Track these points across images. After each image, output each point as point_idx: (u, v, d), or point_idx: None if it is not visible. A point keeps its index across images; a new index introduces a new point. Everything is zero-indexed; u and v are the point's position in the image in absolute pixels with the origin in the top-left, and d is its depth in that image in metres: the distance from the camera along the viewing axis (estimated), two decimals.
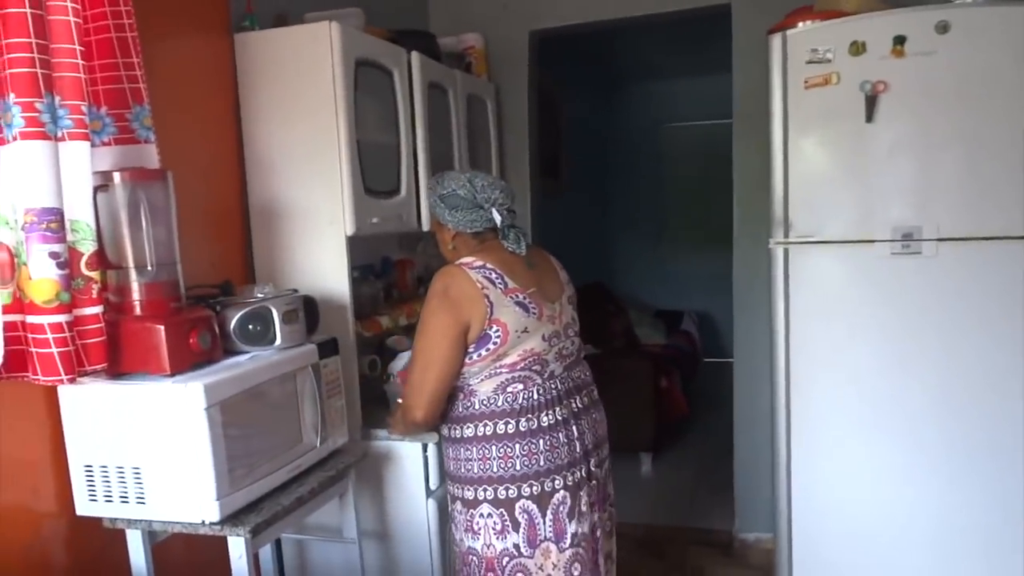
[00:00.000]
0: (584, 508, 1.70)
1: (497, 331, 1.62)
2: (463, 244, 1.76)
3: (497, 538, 1.67)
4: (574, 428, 1.70)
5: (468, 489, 1.70)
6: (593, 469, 1.74)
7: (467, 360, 1.64)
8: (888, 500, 2.21)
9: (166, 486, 1.49)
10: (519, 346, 1.64)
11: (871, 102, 2.07)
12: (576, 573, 1.69)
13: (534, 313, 1.66)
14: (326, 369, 1.86)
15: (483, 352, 1.63)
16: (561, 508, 1.67)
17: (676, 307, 6.01)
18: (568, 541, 1.67)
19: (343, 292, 2.09)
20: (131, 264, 1.54)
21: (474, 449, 1.68)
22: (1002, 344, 2.06)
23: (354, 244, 2.10)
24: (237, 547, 1.51)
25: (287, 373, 1.71)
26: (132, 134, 1.62)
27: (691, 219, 6.35)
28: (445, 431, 1.75)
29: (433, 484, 2.11)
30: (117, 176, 1.53)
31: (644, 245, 6.58)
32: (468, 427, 1.68)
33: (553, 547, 1.67)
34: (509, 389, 1.65)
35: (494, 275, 1.64)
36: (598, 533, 1.76)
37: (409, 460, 2.10)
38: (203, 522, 1.49)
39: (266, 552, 2.12)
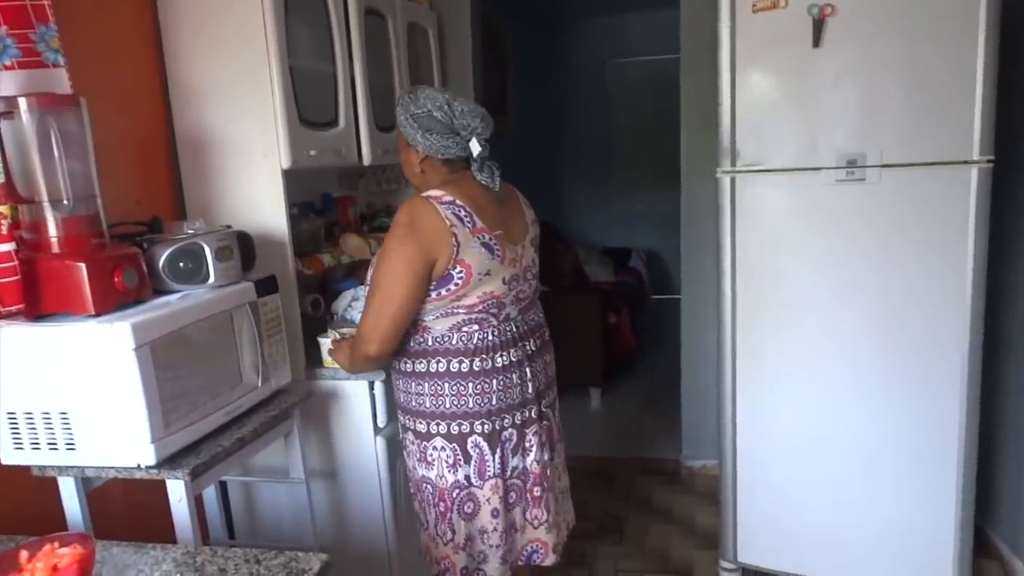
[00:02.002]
0: (528, 445, 1.74)
1: (460, 272, 1.59)
2: (431, 170, 1.69)
3: (449, 470, 1.71)
4: (527, 370, 1.72)
5: (421, 422, 1.71)
6: (544, 410, 1.78)
7: (426, 298, 1.61)
8: (828, 425, 2.27)
9: (97, 431, 1.43)
10: (479, 288, 1.62)
11: (818, 26, 2.04)
12: (511, 500, 1.75)
13: (498, 256, 1.63)
14: (265, 308, 1.79)
15: (443, 292, 1.60)
16: (507, 445, 1.71)
17: (624, 245, 6.04)
18: (509, 473, 1.73)
19: (281, 228, 2.01)
20: (45, 198, 1.43)
21: (426, 384, 1.68)
22: (941, 270, 2.10)
23: (291, 179, 2.01)
24: (176, 490, 1.46)
25: (222, 312, 1.64)
26: (38, 56, 1.48)
27: (639, 157, 6.33)
28: (397, 364, 1.73)
29: (381, 422, 2.08)
30: (23, 102, 1.40)
31: (592, 183, 6.55)
32: (421, 362, 1.68)
33: (500, 481, 1.72)
34: (464, 329, 1.65)
35: (463, 212, 1.59)
36: (548, 471, 1.80)
37: (356, 399, 2.06)
38: (139, 466, 1.43)
39: (212, 495, 2.08)
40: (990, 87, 1.98)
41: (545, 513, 1.79)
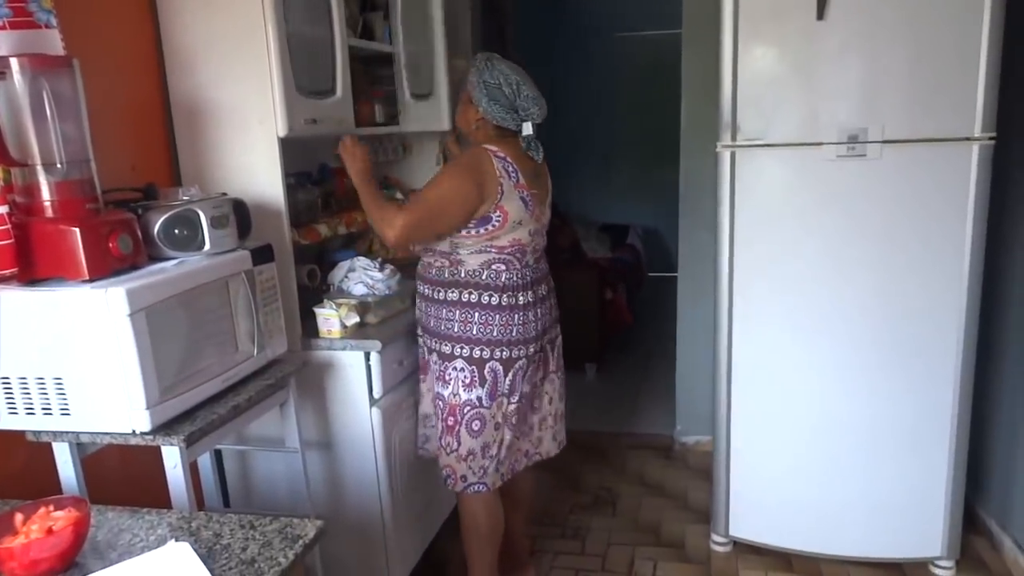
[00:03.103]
0: (531, 373, 2.01)
1: (499, 216, 1.88)
2: (484, 129, 1.97)
3: (464, 390, 1.96)
4: (538, 310, 2.00)
5: (446, 344, 1.97)
6: (546, 345, 2.07)
7: (464, 232, 1.89)
8: (823, 401, 2.28)
9: (92, 396, 1.42)
10: (511, 233, 1.91)
11: None
12: (514, 420, 2.02)
13: (531, 210, 1.93)
14: (261, 276, 1.78)
15: (482, 231, 1.89)
16: (519, 372, 1.98)
17: (622, 222, 6.02)
18: (517, 397, 1.99)
19: (277, 197, 1.98)
20: (38, 161, 1.41)
21: (457, 312, 1.95)
22: (940, 248, 2.10)
23: (288, 148, 1.99)
24: (171, 456, 1.47)
25: (218, 280, 1.63)
26: (30, 17, 1.45)
27: (639, 133, 6.28)
28: (429, 292, 2.00)
29: (377, 393, 2.08)
30: (15, 62, 1.38)
31: (591, 159, 6.51)
32: (453, 292, 1.95)
33: (506, 400, 1.98)
34: (493, 267, 1.93)
35: (511, 168, 1.89)
36: (545, 393, 2.12)
37: (352, 369, 2.06)
38: (134, 432, 1.43)
39: (207, 464, 2.09)
40: (994, 64, 1.96)
41: (525, 425, 2.09)
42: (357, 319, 2.07)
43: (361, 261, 2.28)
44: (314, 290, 2.23)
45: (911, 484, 2.26)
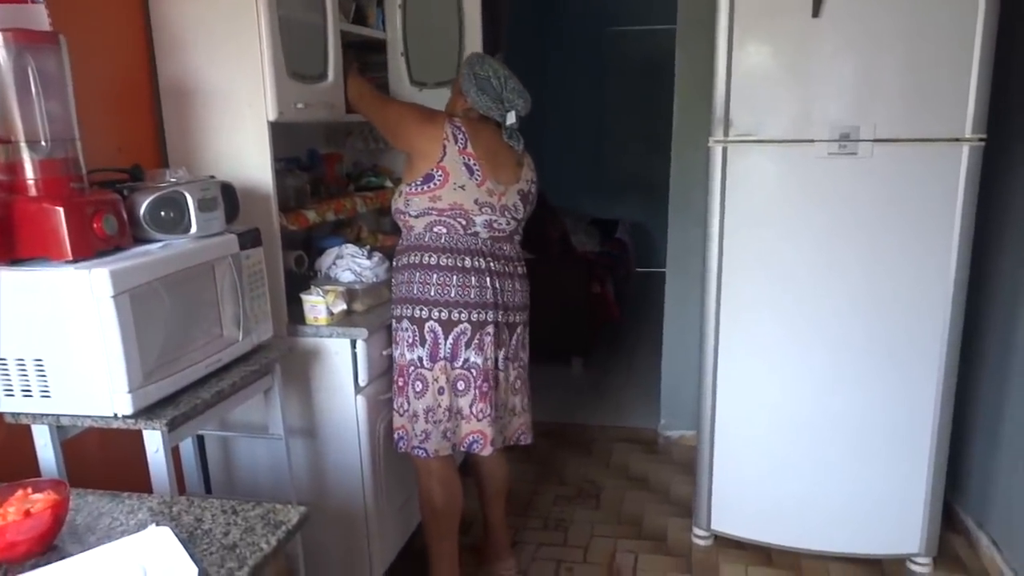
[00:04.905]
0: (481, 343, 2.01)
1: (440, 175, 1.96)
2: (470, 115, 2.06)
3: (408, 349, 2.03)
4: (487, 280, 2.00)
5: (396, 307, 2.06)
6: (503, 323, 2.06)
7: (412, 189, 1.98)
8: (807, 398, 2.30)
9: (73, 379, 1.40)
10: (452, 196, 1.96)
11: None
12: (459, 388, 2.04)
13: (477, 178, 1.97)
14: (248, 261, 1.76)
15: (424, 187, 1.97)
16: (461, 337, 2.00)
17: (612, 216, 6.02)
18: (460, 363, 2.01)
19: (266, 182, 1.96)
20: (22, 138, 1.38)
21: (404, 274, 2.03)
22: (928, 246, 2.11)
23: (278, 133, 1.97)
24: (153, 441, 1.45)
25: (204, 263, 1.61)
26: None
27: (630, 128, 6.28)
28: (394, 262, 2.09)
29: (363, 380, 2.07)
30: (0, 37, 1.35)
31: (582, 153, 6.50)
32: (404, 256, 2.04)
33: (448, 365, 2.01)
34: (435, 229, 1.99)
35: (460, 135, 1.97)
36: (501, 375, 2.08)
37: (338, 356, 2.05)
38: (115, 415, 1.41)
39: (189, 450, 2.07)
40: (986, 65, 1.97)
41: (489, 408, 2.05)
42: (344, 306, 2.06)
43: (349, 248, 2.26)
44: (301, 276, 2.22)
45: (891, 481, 2.28)
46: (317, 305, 2.02)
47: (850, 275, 2.17)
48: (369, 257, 2.25)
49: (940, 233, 2.08)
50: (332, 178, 2.57)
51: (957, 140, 2.02)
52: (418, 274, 2.00)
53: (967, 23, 1.95)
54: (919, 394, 2.21)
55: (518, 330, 2.12)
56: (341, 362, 2.05)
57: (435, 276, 1.98)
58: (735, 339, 2.32)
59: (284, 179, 2.17)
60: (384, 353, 2.16)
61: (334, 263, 2.24)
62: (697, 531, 2.55)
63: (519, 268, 2.12)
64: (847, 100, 2.07)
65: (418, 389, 2.03)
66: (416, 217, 2.00)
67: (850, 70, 2.06)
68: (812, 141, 2.11)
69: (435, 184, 1.96)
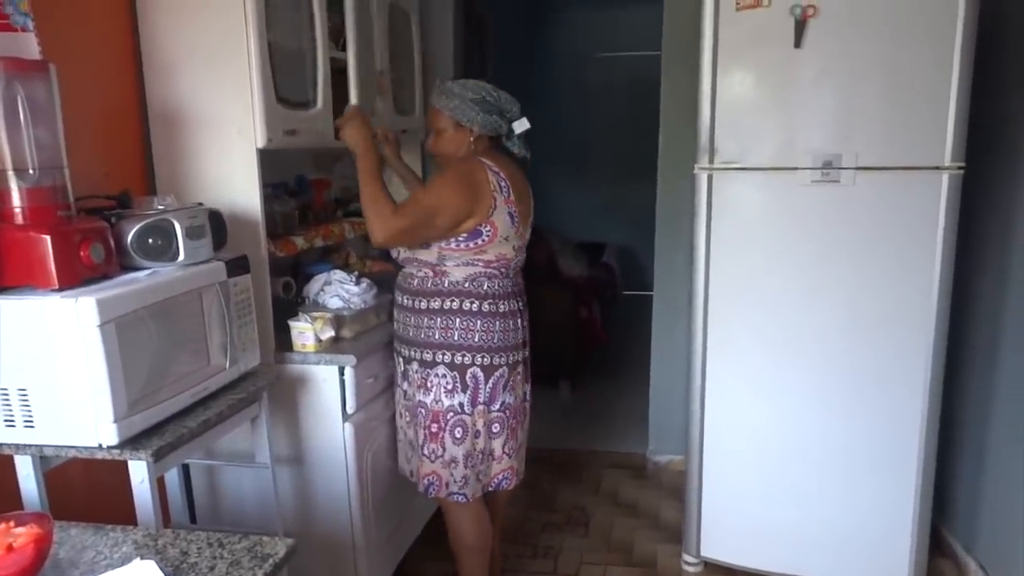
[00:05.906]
0: (514, 384, 2.04)
1: (489, 230, 1.91)
2: (480, 145, 1.99)
3: (446, 396, 1.98)
4: (519, 320, 2.03)
5: (427, 352, 1.98)
6: (526, 356, 2.09)
7: (454, 245, 1.91)
8: (794, 423, 2.30)
9: (58, 409, 1.39)
10: (498, 248, 1.94)
11: (800, 27, 2.05)
12: (496, 430, 2.05)
13: (516, 225, 1.96)
14: (235, 288, 1.76)
15: (471, 244, 1.91)
16: (499, 380, 2.00)
17: (598, 240, 6.04)
18: (497, 406, 2.02)
19: (254, 208, 1.97)
20: (9, 167, 1.38)
21: (438, 319, 1.96)
22: (909, 274, 2.14)
23: (266, 159, 1.97)
24: (139, 471, 1.43)
25: (191, 291, 1.61)
26: (6, 19, 1.44)
27: (617, 153, 6.33)
28: (409, 302, 2.00)
29: (351, 408, 2.06)
30: None
31: (568, 177, 6.54)
32: (435, 301, 1.96)
33: (485, 409, 2.00)
34: (478, 279, 1.95)
35: (503, 184, 1.92)
36: (527, 406, 2.14)
37: (326, 384, 2.03)
38: (100, 446, 1.40)
39: (174, 479, 2.04)
40: (964, 94, 2.01)
41: (516, 443, 2.10)
42: (332, 333, 2.05)
43: (337, 275, 2.26)
44: (289, 303, 2.21)
45: (879, 505, 2.28)
46: (305, 332, 2.02)
47: (834, 300, 2.19)
48: (357, 283, 2.24)
49: (922, 259, 2.11)
50: (320, 204, 2.58)
51: (937, 168, 2.05)
52: (458, 320, 1.95)
53: (945, 54, 1.99)
54: (905, 418, 2.22)
55: (527, 362, 2.14)
56: (329, 389, 2.04)
57: (479, 322, 1.95)
58: (722, 364, 2.33)
59: (272, 205, 2.18)
60: (404, 392, 2.09)
61: (322, 289, 2.23)
62: (687, 558, 2.54)
63: (525, 296, 2.12)
64: (829, 129, 2.11)
65: (458, 436, 2.00)
66: (456, 267, 1.94)
67: (832, 99, 2.10)
68: (795, 169, 2.14)
69: (483, 240, 1.91)
